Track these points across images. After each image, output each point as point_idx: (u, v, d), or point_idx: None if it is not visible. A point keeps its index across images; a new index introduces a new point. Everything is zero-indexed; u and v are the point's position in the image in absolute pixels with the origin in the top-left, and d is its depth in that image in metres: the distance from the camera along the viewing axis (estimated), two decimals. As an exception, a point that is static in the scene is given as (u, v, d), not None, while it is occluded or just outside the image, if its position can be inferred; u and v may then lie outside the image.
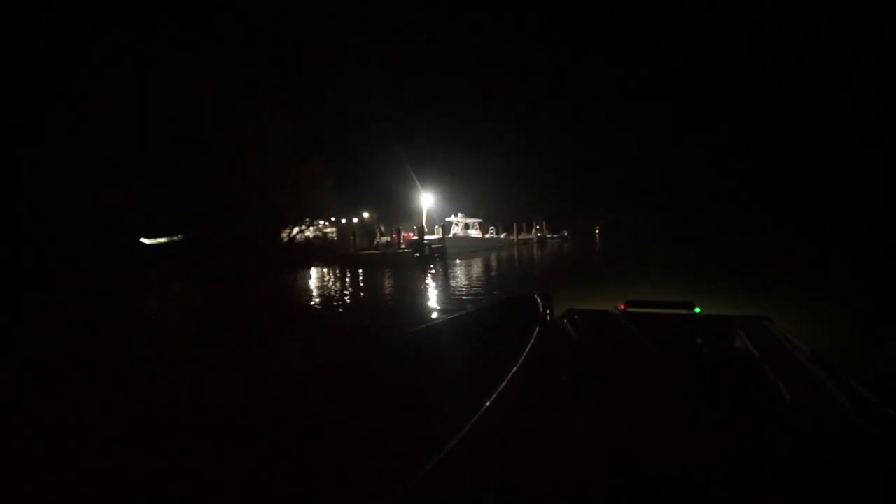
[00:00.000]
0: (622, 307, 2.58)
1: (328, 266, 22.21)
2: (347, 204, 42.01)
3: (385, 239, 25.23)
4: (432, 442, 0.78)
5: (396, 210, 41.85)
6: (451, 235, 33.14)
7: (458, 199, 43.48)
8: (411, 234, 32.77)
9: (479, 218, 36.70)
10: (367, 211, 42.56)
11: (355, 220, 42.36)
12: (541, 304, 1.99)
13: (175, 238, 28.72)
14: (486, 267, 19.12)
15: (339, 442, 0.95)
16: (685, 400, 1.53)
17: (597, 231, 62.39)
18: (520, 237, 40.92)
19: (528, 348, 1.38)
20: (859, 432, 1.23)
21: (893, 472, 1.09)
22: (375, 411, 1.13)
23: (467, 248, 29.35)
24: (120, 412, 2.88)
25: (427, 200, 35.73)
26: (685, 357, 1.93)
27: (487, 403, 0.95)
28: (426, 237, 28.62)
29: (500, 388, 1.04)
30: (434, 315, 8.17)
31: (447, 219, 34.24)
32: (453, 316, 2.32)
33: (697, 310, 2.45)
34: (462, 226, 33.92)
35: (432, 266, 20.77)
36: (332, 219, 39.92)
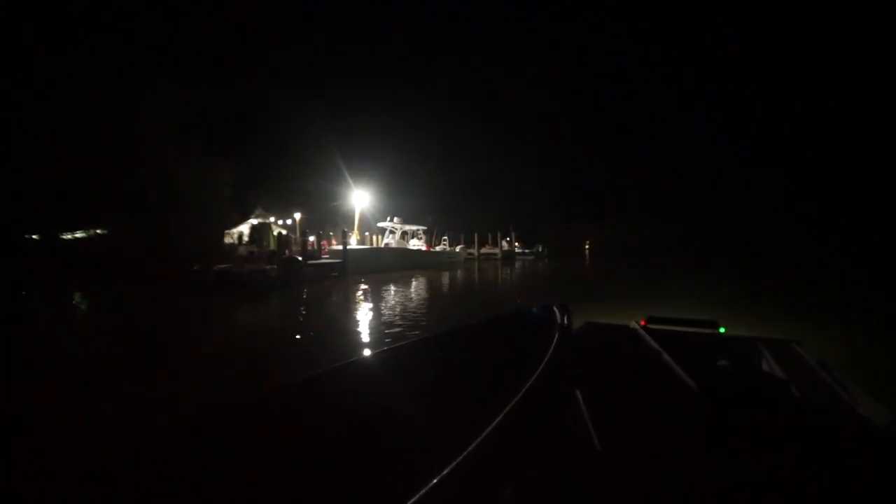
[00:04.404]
0: (643, 322, 2.42)
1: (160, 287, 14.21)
2: (279, 202, 34.46)
3: (246, 249, 17.11)
4: (444, 452, 0.77)
5: (335, 212, 33.96)
6: (382, 245, 25.07)
7: (417, 205, 35.65)
8: (327, 243, 24.77)
9: (424, 225, 28.55)
10: (298, 211, 34.80)
11: (288, 221, 34.78)
12: (559, 315, 1.86)
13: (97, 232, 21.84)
14: (384, 302, 11.26)
15: (345, 449, 0.91)
16: (707, 420, 1.44)
17: (586, 248, 54.52)
18: (482, 251, 32.79)
19: (545, 360, 1.29)
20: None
21: None
22: (385, 418, 1.07)
23: (385, 264, 21.07)
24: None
25: (361, 200, 27.64)
26: (708, 376, 1.75)
27: (500, 416, 0.92)
28: (343, 246, 20.51)
29: (515, 400, 1.00)
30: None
31: (379, 224, 26.21)
32: (466, 323, 1.99)
33: (722, 329, 2.41)
34: (399, 234, 25.81)
35: (281, 297, 12.63)
36: (273, 219, 32.18)
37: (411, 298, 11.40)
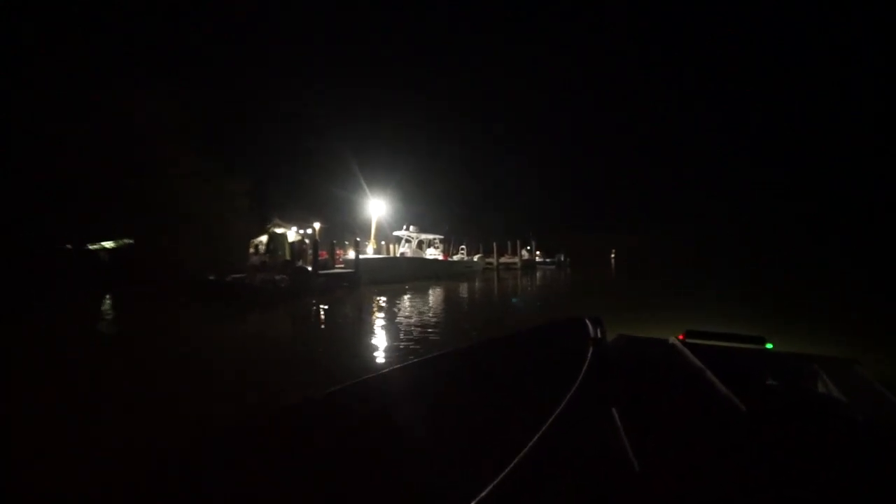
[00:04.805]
0: (681, 337, 2.26)
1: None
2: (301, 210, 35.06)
3: (259, 259, 17.06)
4: (479, 473, 0.74)
5: (353, 221, 34.07)
6: (398, 254, 24.73)
7: (434, 213, 35.29)
8: (342, 252, 24.64)
9: (440, 234, 28.00)
10: (317, 221, 35.17)
11: (308, 230, 35.23)
12: (592, 328, 1.83)
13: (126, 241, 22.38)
14: (391, 314, 10.73)
15: (373, 468, 0.90)
16: (757, 441, 1.30)
17: (612, 256, 52.36)
18: (502, 260, 31.84)
19: (580, 376, 1.28)
20: None
21: None
22: (414, 435, 1.05)
23: (399, 273, 20.62)
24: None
25: (378, 209, 27.48)
26: (757, 396, 1.60)
27: (537, 435, 0.89)
28: (358, 255, 20.23)
29: (551, 418, 0.97)
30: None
31: (395, 233, 25.90)
32: (495, 336, 2.05)
33: (769, 346, 2.16)
34: (415, 243, 25.38)
35: (286, 308, 12.32)
36: (296, 229, 32.70)
37: (423, 311, 10.74)
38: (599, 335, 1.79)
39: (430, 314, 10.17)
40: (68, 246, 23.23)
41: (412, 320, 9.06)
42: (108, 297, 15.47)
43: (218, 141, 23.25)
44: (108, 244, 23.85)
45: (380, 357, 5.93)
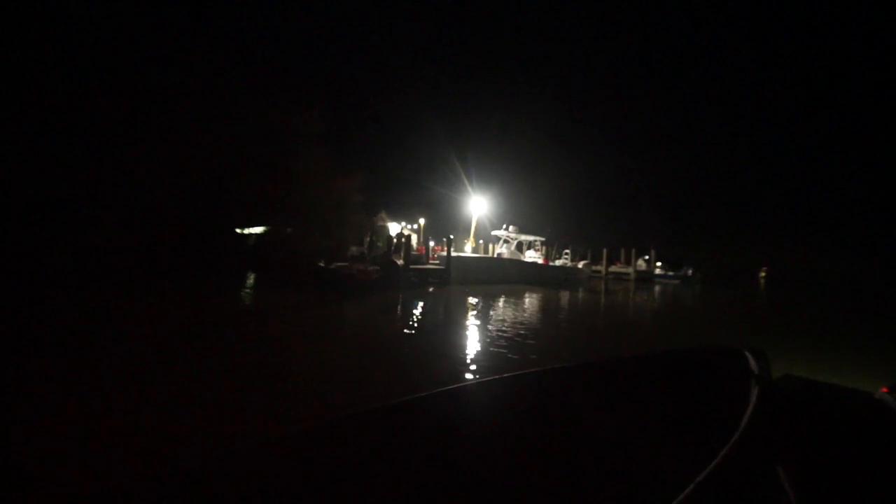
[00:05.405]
0: (884, 390, 1.74)
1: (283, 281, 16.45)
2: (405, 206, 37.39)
3: (356, 249, 18.15)
4: None
5: (456, 218, 34.58)
6: (495, 255, 23.99)
7: (537, 213, 33.46)
8: (439, 248, 24.92)
9: (542, 236, 26.14)
10: (422, 217, 36.74)
11: (414, 226, 37.25)
12: (754, 364, 1.48)
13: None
14: (471, 320, 10.31)
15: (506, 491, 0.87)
16: None
17: (762, 275, 42.22)
18: (611, 269, 28.28)
19: (745, 419, 1.04)
20: None
21: None
22: (540, 455, 0.95)
23: (493, 275, 19.79)
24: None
25: (479, 207, 27.18)
26: None
27: (693, 486, 0.74)
28: (452, 253, 20.30)
29: (714, 464, 0.80)
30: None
31: (493, 232, 25.14)
32: (629, 355, 1.67)
33: None
34: (514, 244, 24.22)
35: (373, 297, 12.69)
36: (404, 224, 35.39)
37: (512, 322, 9.71)
38: (765, 374, 1.49)
39: (522, 327, 9.14)
40: (222, 230, 28.73)
41: (495, 333, 8.21)
42: (248, 274, 18.54)
43: (336, 142, 25.80)
44: (256, 230, 28.74)
45: (438, 367, 5.31)
